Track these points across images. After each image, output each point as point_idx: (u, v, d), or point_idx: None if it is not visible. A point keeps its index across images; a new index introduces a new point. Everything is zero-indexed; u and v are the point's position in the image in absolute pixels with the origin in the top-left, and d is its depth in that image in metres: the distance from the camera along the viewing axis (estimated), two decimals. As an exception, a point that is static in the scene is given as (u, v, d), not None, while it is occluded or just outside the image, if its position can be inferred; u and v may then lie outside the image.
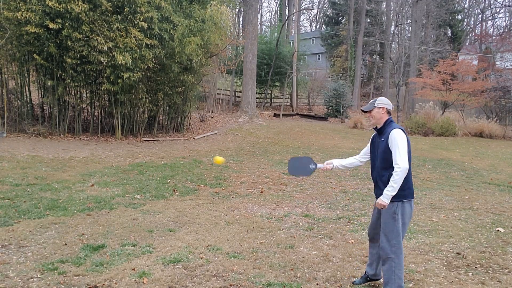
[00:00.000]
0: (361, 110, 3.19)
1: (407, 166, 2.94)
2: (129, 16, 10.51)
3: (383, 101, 3.16)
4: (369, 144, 3.35)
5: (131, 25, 10.51)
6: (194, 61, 11.72)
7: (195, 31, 11.50)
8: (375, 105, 3.15)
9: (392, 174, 2.98)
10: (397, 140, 2.98)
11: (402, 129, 3.05)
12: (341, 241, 4.45)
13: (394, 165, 2.97)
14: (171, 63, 11.60)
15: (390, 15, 33.85)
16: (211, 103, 19.85)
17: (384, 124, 3.14)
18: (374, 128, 3.25)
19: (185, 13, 11.73)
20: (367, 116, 3.23)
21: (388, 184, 3.00)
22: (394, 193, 2.97)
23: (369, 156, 3.34)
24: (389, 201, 3.00)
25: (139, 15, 10.49)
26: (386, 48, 30.15)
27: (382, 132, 3.14)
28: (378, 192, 3.14)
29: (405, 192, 3.04)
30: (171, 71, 11.82)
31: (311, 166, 3.30)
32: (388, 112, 3.17)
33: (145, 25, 10.48)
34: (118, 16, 10.51)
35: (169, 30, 11.08)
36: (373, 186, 3.24)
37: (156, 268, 3.54)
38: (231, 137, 13.99)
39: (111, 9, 10.41)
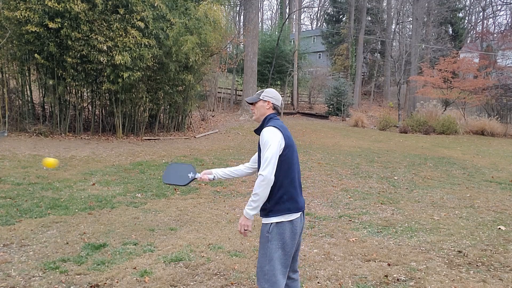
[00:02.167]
0: (246, 101, 2.65)
1: (272, 177, 2.29)
2: (127, 16, 10.51)
3: (270, 94, 2.58)
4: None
5: (129, 25, 10.52)
6: (191, 60, 11.70)
7: (192, 29, 11.49)
8: (260, 97, 2.56)
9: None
10: (267, 141, 2.32)
11: (277, 127, 2.40)
12: (342, 239, 4.45)
13: (259, 171, 2.34)
14: (169, 62, 11.60)
15: (391, 13, 33.81)
16: (212, 102, 19.85)
17: (262, 122, 2.53)
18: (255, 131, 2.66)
19: (180, 11, 11.71)
20: (251, 109, 2.64)
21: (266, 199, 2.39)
22: (255, 211, 2.32)
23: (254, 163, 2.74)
24: (253, 219, 2.37)
25: (135, 14, 10.49)
26: (387, 46, 30.10)
27: (259, 131, 2.52)
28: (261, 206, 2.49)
29: (282, 206, 2.36)
30: (170, 70, 11.82)
31: (190, 175, 2.76)
32: (275, 108, 2.57)
33: (142, 24, 10.49)
34: (117, 15, 10.51)
35: (165, 29, 11.08)
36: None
37: (158, 266, 3.54)
38: (232, 135, 13.99)
39: (110, 7, 10.42)
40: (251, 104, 2.62)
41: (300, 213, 2.45)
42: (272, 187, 2.33)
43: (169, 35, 11.04)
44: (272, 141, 2.33)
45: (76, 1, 9.70)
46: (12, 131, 10.58)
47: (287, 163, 2.39)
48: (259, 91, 2.64)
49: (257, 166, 2.60)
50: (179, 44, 11.07)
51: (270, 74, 23.64)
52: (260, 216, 2.45)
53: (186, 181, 2.77)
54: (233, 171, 2.76)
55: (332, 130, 17.26)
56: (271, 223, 2.35)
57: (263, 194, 2.30)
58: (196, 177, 2.75)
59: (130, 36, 10.42)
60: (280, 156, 2.36)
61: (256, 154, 2.65)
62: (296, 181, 2.45)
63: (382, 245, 4.29)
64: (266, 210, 2.38)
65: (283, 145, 2.38)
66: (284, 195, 2.37)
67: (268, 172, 2.28)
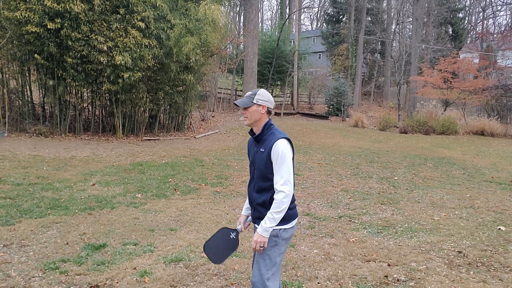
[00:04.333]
0: (234, 103, 2.41)
1: (292, 191, 2.29)
2: (127, 16, 10.52)
3: (264, 97, 2.38)
4: (248, 156, 2.59)
5: (129, 25, 10.53)
6: (192, 60, 11.71)
7: (192, 30, 11.50)
8: (254, 101, 2.35)
9: (273, 198, 2.30)
10: (283, 155, 2.26)
11: (288, 139, 2.34)
12: (342, 239, 4.45)
13: (276, 188, 2.27)
14: (170, 62, 11.60)
15: (391, 13, 33.82)
16: (212, 102, 19.85)
17: (263, 129, 2.39)
18: (249, 132, 2.50)
19: (180, 12, 11.72)
20: (243, 113, 2.40)
21: (267, 209, 2.31)
22: (275, 225, 2.29)
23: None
24: (269, 234, 2.30)
25: (136, 14, 10.50)
26: (387, 47, 30.11)
27: (261, 140, 2.39)
28: (256, 215, 2.44)
29: (290, 212, 2.38)
30: (170, 71, 11.83)
31: (232, 236, 2.51)
32: (269, 112, 2.42)
33: (142, 24, 10.49)
34: (117, 15, 10.52)
35: (166, 30, 11.08)
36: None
37: (158, 267, 3.54)
38: (232, 136, 13.99)
39: (110, 8, 10.42)
40: (241, 107, 2.42)
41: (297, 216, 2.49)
42: None
43: (170, 35, 11.04)
44: (288, 154, 2.29)
45: (76, 1, 9.71)
46: (12, 132, 10.58)
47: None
48: (250, 93, 2.41)
49: (262, 177, 2.42)
50: (180, 45, 11.07)
51: (270, 75, 23.64)
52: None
53: (236, 243, 2.53)
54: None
55: (332, 131, 17.26)
56: (280, 228, 2.35)
57: (285, 210, 2.28)
58: (239, 230, 2.54)
59: (130, 37, 10.42)
60: None
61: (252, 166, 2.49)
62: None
63: (382, 245, 4.29)
64: None
65: (292, 156, 2.37)
66: (292, 203, 2.40)
67: (290, 188, 2.27)
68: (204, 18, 11.51)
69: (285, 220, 2.35)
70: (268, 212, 2.29)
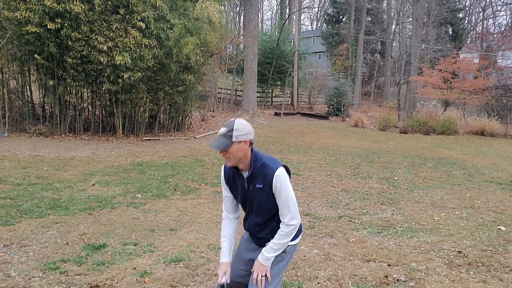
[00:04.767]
0: (213, 147, 2.11)
1: (300, 221, 2.20)
2: (127, 16, 10.52)
3: (243, 130, 2.10)
4: (225, 187, 2.35)
5: (129, 25, 10.53)
6: (192, 60, 11.70)
7: (191, 30, 11.49)
8: (234, 139, 2.07)
9: (277, 227, 2.20)
10: (286, 187, 2.11)
11: (284, 166, 2.17)
12: (342, 240, 4.45)
13: (284, 222, 2.15)
14: (170, 62, 11.60)
15: (391, 13, 33.83)
16: (212, 102, 19.86)
17: (252, 164, 2.14)
18: (234, 168, 2.23)
19: (179, 11, 11.71)
20: (223, 154, 2.14)
21: (271, 238, 2.20)
22: (277, 254, 2.20)
23: (232, 204, 2.38)
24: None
25: (136, 14, 10.50)
26: (387, 47, 30.11)
27: (254, 176, 2.16)
28: (260, 245, 2.33)
29: (298, 230, 2.31)
30: (170, 71, 11.83)
31: None
32: (251, 143, 2.15)
33: (142, 25, 10.49)
34: (117, 16, 10.52)
35: (166, 30, 11.08)
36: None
37: (158, 267, 3.54)
38: (232, 136, 13.97)
39: (110, 8, 10.42)
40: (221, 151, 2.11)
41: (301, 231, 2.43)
42: None
43: (170, 36, 11.04)
44: (288, 184, 2.14)
45: (76, 2, 9.71)
46: (12, 132, 10.58)
47: None
48: (224, 130, 2.10)
49: (243, 212, 2.33)
50: (180, 45, 11.07)
51: (270, 75, 23.65)
52: None
53: None
54: (230, 240, 2.37)
55: (332, 131, 17.26)
56: (289, 245, 2.28)
57: (289, 241, 2.20)
58: (224, 285, 2.28)
59: (130, 37, 10.42)
60: None
61: (226, 191, 2.34)
62: None
63: (382, 245, 4.29)
64: None
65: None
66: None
67: (299, 220, 2.17)
68: (201, 17, 11.48)
69: (295, 236, 2.29)
70: (272, 241, 2.18)
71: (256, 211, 2.26)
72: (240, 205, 2.41)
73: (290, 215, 2.14)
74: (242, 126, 2.11)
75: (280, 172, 2.11)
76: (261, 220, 2.25)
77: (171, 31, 11.06)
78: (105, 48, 10.19)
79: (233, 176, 2.27)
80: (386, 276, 3.51)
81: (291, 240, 2.27)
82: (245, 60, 18.59)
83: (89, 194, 5.87)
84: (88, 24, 10.20)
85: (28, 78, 11.39)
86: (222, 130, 2.11)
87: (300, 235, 2.39)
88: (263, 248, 2.23)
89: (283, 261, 2.27)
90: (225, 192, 2.38)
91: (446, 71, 21.19)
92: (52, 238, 4.13)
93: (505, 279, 3.51)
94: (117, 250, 3.87)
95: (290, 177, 2.21)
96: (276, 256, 2.22)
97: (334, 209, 5.72)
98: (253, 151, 2.18)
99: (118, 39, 10.38)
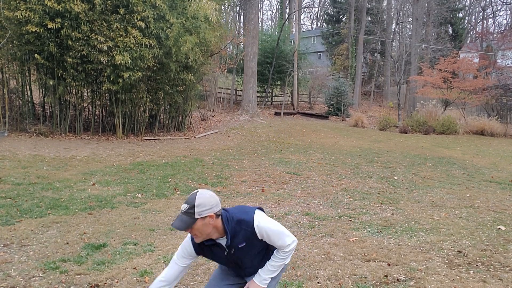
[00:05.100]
0: (175, 228, 1.94)
1: (296, 239, 2.15)
2: (127, 16, 10.52)
3: (207, 204, 1.92)
4: (191, 255, 2.16)
5: (130, 25, 10.53)
6: (191, 59, 11.68)
7: (190, 28, 11.48)
8: (197, 216, 1.90)
9: (270, 253, 2.19)
10: (268, 227, 2.05)
11: (258, 209, 2.11)
12: (342, 239, 4.45)
13: (284, 251, 2.11)
14: (170, 62, 11.60)
15: (391, 13, 33.82)
16: (212, 102, 19.85)
17: (226, 231, 2.01)
18: (206, 242, 2.09)
19: (177, 11, 11.71)
20: (188, 232, 1.98)
21: (266, 262, 2.17)
22: (275, 275, 2.18)
23: (180, 273, 2.21)
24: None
25: (136, 14, 10.50)
26: (387, 46, 30.11)
27: (234, 238, 2.04)
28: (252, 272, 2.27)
29: None
30: (170, 70, 11.82)
31: None
32: (219, 215, 2.00)
33: (142, 24, 10.49)
34: (117, 15, 10.52)
35: (165, 29, 11.08)
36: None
37: (158, 266, 3.54)
38: (232, 135, 13.99)
39: (110, 7, 10.42)
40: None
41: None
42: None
43: (169, 35, 11.04)
44: (269, 223, 2.06)
45: (76, 1, 9.71)
46: (12, 131, 10.58)
47: None
48: (186, 206, 1.92)
49: (257, 258, 2.22)
50: (179, 44, 11.07)
51: (270, 74, 23.65)
52: None
53: None
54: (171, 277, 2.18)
55: (332, 130, 17.27)
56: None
57: (287, 262, 2.17)
58: None
59: (130, 36, 10.42)
60: None
61: (181, 263, 2.16)
62: None
63: (382, 245, 4.29)
64: None
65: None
66: None
67: (292, 239, 2.11)
68: (198, 15, 11.46)
69: None
70: (268, 263, 2.14)
71: (246, 264, 2.18)
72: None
73: (286, 243, 2.09)
74: (205, 200, 1.93)
75: (258, 220, 2.04)
76: (256, 265, 2.19)
77: (170, 30, 11.06)
78: (105, 47, 10.19)
79: (208, 248, 2.12)
80: (386, 276, 3.51)
81: None
82: (245, 60, 18.59)
83: (89, 194, 5.87)
84: (88, 23, 10.20)
85: (28, 78, 11.38)
86: (183, 206, 1.93)
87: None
88: (259, 269, 2.17)
89: (277, 277, 2.24)
90: (185, 259, 2.15)
91: (446, 70, 21.20)
92: (52, 237, 4.13)
93: (505, 278, 3.52)
94: (117, 250, 3.87)
95: (264, 211, 2.17)
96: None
97: (334, 209, 5.72)
98: (223, 215, 2.02)
99: (118, 38, 10.38)
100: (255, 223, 2.02)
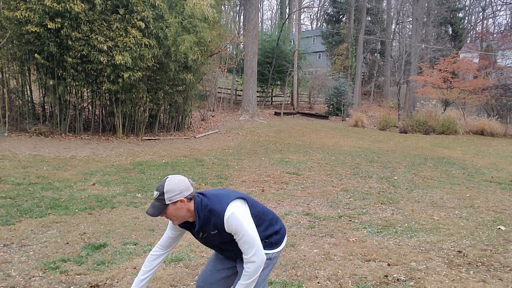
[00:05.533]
0: (149, 215, 2.00)
1: (264, 256, 2.04)
2: (127, 16, 10.52)
3: (175, 190, 1.97)
4: (176, 228, 2.25)
5: (129, 25, 10.53)
6: (190, 59, 11.66)
7: (188, 28, 11.46)
8: (167, 202, 1.96)
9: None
10: (240, 225, 1.99)
11: (238, 199, 2.07)
12: (342, 239, 4.45)
13: (245, 259, 2.03)
14: (169, 61, 11.60)
15: (391, 13, 33.82)
16: (212, 102, 19.85)
17: (198, 214, 2.03)
18: (183, 225, 2.17)
19: (176, 10, 11.69)
20: (164, 216, 2.05)
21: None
22: None
23: (174, 242, 2.29)
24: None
25: (136, 14, 10.50)
26: (387, 46, 30.12)
27: (205, 226, 2.06)
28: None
29: (278, 235, 2.26)
30: (169, 70, 11.82)
31: None
32: (191, 198, 2.02)
33: (142, 24, 10.49)
34: (117, 15, 10.52)
35: (164, 29, 11.08)
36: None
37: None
38: (232, 135, 14.00)
39: (110, 7, 10.42)
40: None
41: (285, 236, 2.33)
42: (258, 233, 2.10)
43: (168, 35, 11.04)
44: (242, 220, 1.99)
45: (76, 1, 9.71)
46: (12, 131, 10.58)
47: (257, 216, 2.15)
48: (156, 193, 1.98)
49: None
50: (177, 44, 11.07)
51: (270, 74, 23.65)
52: None
53: None
54: (148, 278, 2.24)
55: (332, 130, 17.27)
56: (273, 252, 2.24)
57: (257, 278, 2.06)
58: None
59: (130, 36, 10.42)
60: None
61: (171, 234, 2.23)
62: (268, 215, 2.24)
63: (382, 245, 4.30)
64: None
65: (246, 205, 2.10)
66: (277, 225, 2.26)
67: (260, 255, 2.01)
68: (195, 13, 11.43)
69: (275, 244, 2.24)
70: (238, 283, 2.06)
71: (224, 248, 2.19)
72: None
73: (252, 251, 2.00)
74: (174, 186, 1.97)
75: (230, 212, 1.98)
76: (236, 249, 2.10)
77: (168, 30, 11.06)
78: (105, 47, 10.19)
79: (188, 226, 2.17)
80: (386, 276, 3.51)
81: (274, 247, 2.23)
82: (245, 60, 18.59)
83: (89, 194, 5.87)
84: (88, 23, 10.20)
85: (28, 78, 11.38)
86: (155, 193, 2.00)
87: (284, 242, 2.31)
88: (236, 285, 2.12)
89: (268, 268, 2.20)
90: (172, 231, 2.24)
91: (446, 70, 21.21)
92: (52, 237, 4.13)
93: (505, 278, 3.52)
94: (117, 250, 3.87)
95: (248, 202, 2.11)
96: None
97: (334, 209, 5.72)
98: (196, 200, 2.04)
99: (118, 38, 10.38)
100: (226, 215, 1.98)
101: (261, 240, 2.11)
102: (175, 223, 2.08)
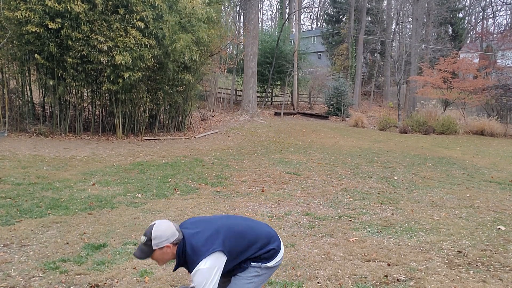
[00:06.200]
0: (134, 255, 2.14)
1: None
2: (127, 16, 10.52)
3: (163, 236, 2.06)
4: None
5: (129, 25, 10.53)
6: (187, 58, 11.64)
7: (186, 27, 11.45)
8: (155, 247, 2.06)
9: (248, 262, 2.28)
10: (202, 282, 2.04)
11: (214, 253, 2.10)
12: (342, 239, 4.45)
13: None
14: (168, 61, 11.59)
15: (391, 13, 33.82)
16: (212, 102, 19.85)
17: (179, 256, 2.15)
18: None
19: (174, 10, 11.68)
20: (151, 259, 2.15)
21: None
22: None
23: None
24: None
25: (135, 14, 10.50)
26: (387, 47, 30.12)
27: (186, 264, 2.18)
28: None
29: (272, 252, 2.33)
30: (169, 70, 11.82)
31: None
32: (176, 243, 2.12)
33: (142, 24, 10.49)
34: (117, 15, 10.52)
35: (163, 29, 11.08)
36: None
37: (158, 267, 3.54)
38: (232, 136, 13.99)
39: (110, 8, 10.42)
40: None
41: (280, 251, 2.39)
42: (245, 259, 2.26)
43: (166, 34, 11.04)
44: (209, 278, 2.05)
45: (76, 1, 9.71)
46: (12, 131, 10.58)
47: (238, 243, 2.22)
48: (144, 238, 2.08)
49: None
50: (174, 42, 11.06)
51: (270, 74, 23.65)
52: None
53: None
54: None
55: (332, 130, 17.27)
56: (265, 266, 2.34)
57: None
58: None
59: (130, 36, 10.42)
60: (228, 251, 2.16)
61: None
62: (257, 242, 2.29)
63: (382, 245, 4.30)
64: None
65: (224, 259, 2.14)
66: (273, 243, 2.34)
67: None
68: (191, 12, 11.41)
69: (268, 259, 2.31)
70: None
71: None
72: None
73: None
74: (161, 233, 2.06)
75: (201, 266, 2.05)
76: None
77: (166, 27, 11.05)
78: (105, 47, 10.19)
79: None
80: (386, 276, 3.51)
81: (267, 262, 2.31)
82: (245, 60, 18.59)
83: (89, 194, 5.87)
84: (88, 24, 10.20)
85: (28, 78, 11.38)
86: (142, 238, 2.09)
87: (278, 256, 2.36)
88: None
89: (259, 276, 2.30)
90: None
91: (446, 71, 21.20)
92: (52, 237, 4.13)
93: (504, 278, 3.52)
94: (117, 250, 3.87)
95: (232, 242, 2.19)
96: (250, 270, 2.29)
97: (334, 209, 5.72)
98: (180, 245, 2.12)
99: (118, 38, 10.38)
100: (196, 267, 2.06)
101: (252, 258, 2.27)
102: (160, 265, 2.23)
